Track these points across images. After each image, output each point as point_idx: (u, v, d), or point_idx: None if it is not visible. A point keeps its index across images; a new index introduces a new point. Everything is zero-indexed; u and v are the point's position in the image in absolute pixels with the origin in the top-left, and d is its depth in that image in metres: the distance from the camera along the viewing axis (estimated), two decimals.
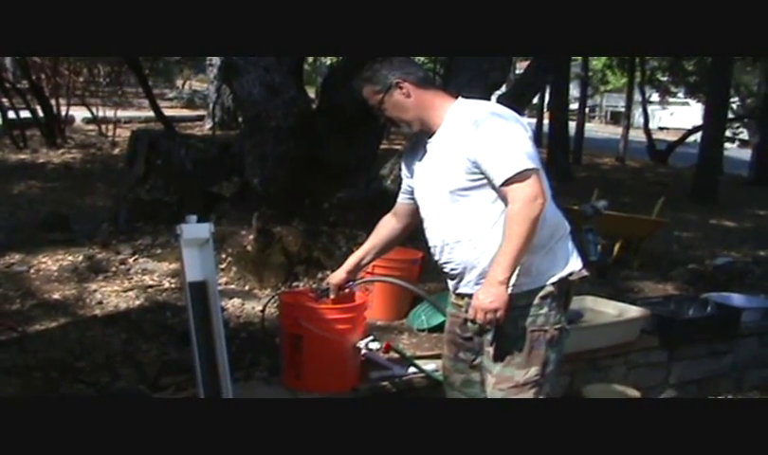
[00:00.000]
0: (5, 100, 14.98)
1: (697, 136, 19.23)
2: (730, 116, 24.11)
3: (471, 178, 3.27)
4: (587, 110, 31.07)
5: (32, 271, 6.51)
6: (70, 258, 6.80)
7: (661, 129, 37.50)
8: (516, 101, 7.41)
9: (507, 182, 3.16)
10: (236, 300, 6.08)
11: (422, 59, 29.60)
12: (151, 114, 15.39)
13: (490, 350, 3.40)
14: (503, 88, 10.90)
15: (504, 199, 3.22)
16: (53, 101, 15.45)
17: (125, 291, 6.17)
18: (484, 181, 3.25)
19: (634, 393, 5.40)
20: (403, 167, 3.70)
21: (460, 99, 3.46)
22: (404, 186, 3.70)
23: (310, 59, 28.95)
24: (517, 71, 21.93)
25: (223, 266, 6.58)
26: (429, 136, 3.43)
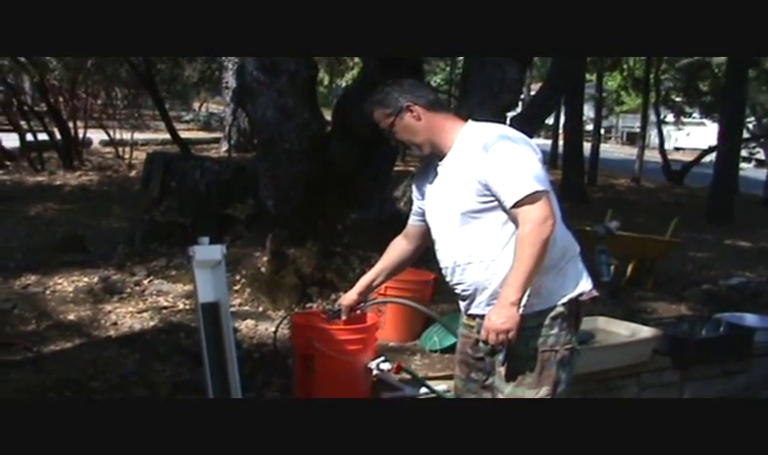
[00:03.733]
0: (23, 122, 15.12)
1: (713, 157, 19.18)
2: (746, 135, 24.06)
3: (482, 200, 3.29)
4: (603, 131, 31.08)
5: (48, 292, 6.57)
6: (86, 279, 6.85)
7: (677, 149, 37.37)
8: (528, 123, 7.44)
9: (518, 204, 3.18)
10: (249, 322, 6.11)
11: (438, 80, 29.84)
12: (167, 136, 15.51)
13: (501, 370, 3.41)
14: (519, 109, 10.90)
15: (515, 221, 3.23)
16: (71, 124, 15.63)
17: (140, 312, 6.22)
18: (495, 203, 3.27)
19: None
20: (414, 189, 3.72)
21: (470, 121, 3.48)
22: (415, 207, 3.72)
23: (326, 81, 29.06)
24: (531, 93, 21.95)
25: (237, 288, 6.61)
26: (440, 159, 3.45)
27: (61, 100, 16.28)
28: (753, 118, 28.73)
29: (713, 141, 21.26)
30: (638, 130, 28.14)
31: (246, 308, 6.45)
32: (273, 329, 5.20)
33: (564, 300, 3.38)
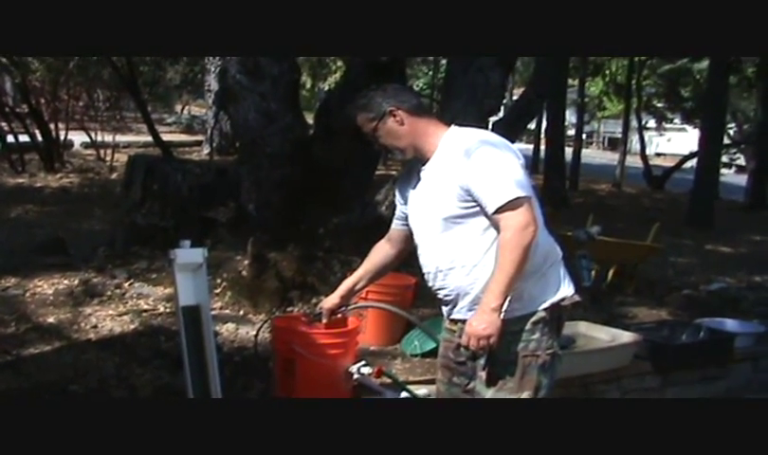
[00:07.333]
0: (4, 124, 15.05)
1: (694, 162, 19.29)
2: (727, 141, 24.19)
3: (464, 206, 3.29)
4: (584, 136, 31.18)
5: (28, 295, 6.52)
6: (66, 282, 6.81)
7: (658, 155, 37.60)
8: (511, 128, 7.46)
9: (499, 210, 3.18)
10: (230, 325, 6.09)
11: (420, 85, 29.89)
12: (149, 139, 15.48)
13: (483, 375, 3.41)
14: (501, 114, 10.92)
15: (497, 226, 3.24)
16: (52, 126, 15.54)
17: (120, 315, 6.19)
18: (477, 209, 3.28)
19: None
20: (397, 193, 3.73)
21: (453, 126, 3.49)
22: (398, 212, 3.72)
23: (308, 85, 29.06)
24: (513, 98, 22.02)
25: (218, 291, 6.59)
26: (423, 164, 3.46)
27: (42, 101, 16.20)
28: (734, 124, 28.94)
29: (694, 147, 21.39)
30: (620, 135, 28.27)
31: (227, 312, 6.43)
32: (254, 332, 5.19)
33: (546, 304, 3.38)
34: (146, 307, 6.40)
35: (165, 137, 16.17)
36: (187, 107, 32.35)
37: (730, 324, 6.74)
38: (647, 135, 29.28)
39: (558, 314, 3.45)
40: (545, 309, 3.38)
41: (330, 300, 3.93)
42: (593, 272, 8.01)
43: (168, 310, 6.29)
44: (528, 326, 3.36)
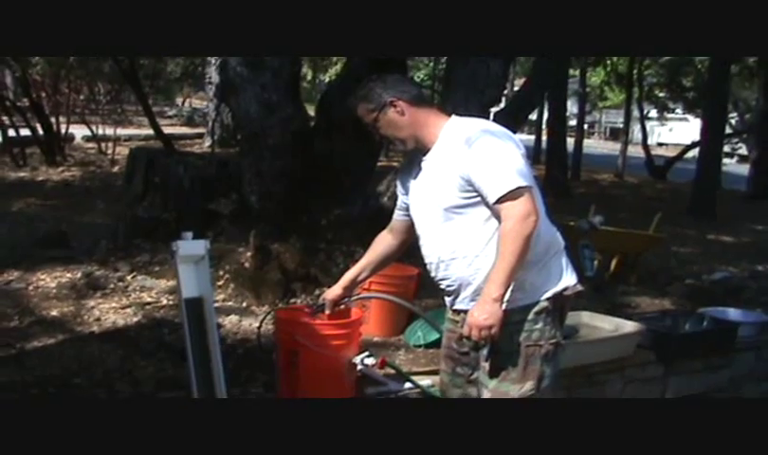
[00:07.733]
0: (5, 117, 15.03)
1: (696, 152, 19.26)
2: (728, 131, 24.14)
3: (465, 196, 3.29)
4: (586, 126, 31.16)
5: (31, 288, 6.53)
6: (69, 275, 6.81)
7: (660, 145, 37.59)
8: (512, 118, 7.45)
9: (500, 200, 3.18)
10: (233, 317, 6.09)
11: (421, 75, 29.84)
12: (151, 132, 15.47)
13: (486, 365, 3.41)
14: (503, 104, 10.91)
15: (498, 216, 3.23)
16: (53, 119, 15.53)
17: (123, 308, 6.19)
18: (478, 199, 3.27)
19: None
20: (398, 184, 3.72)
21: (454, 116, 3.49)
22: (400, 203, 3.72)
23: (309, 76, 29.01)
24: (515, 88, 21.99)
25: (220, 283, 6.59)
26: (424, 154, 3.46)
27: (43, 95, 16.20)
28: (735, 114, 28.87)
29: (696, 137, 21.36)
30: (621, 125, 28.28)
31: (230, 304, 6.42)
32: (257, 324, 5.19)
33: (548, 294, 3.39)
34: (149, 300, 6.41)
35: (166, 130, 16.16)
36: (188, 100, 32.35)
37: (733, 314, 6.73)
38: (648, 125, 29.27)
39: (561, 304, 3.46)
40: (548, 299, 3.39)
41: (333, 292, 3.94)
42: (595, 262, 8.00)
43: (171, 302, 6.29)
44: (531, 316, 3.36)
